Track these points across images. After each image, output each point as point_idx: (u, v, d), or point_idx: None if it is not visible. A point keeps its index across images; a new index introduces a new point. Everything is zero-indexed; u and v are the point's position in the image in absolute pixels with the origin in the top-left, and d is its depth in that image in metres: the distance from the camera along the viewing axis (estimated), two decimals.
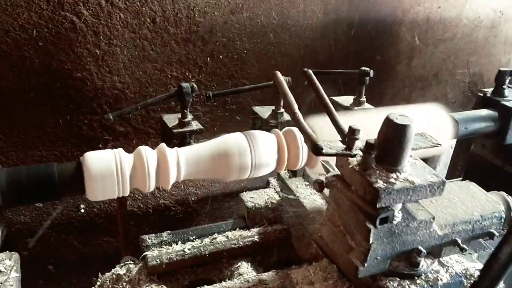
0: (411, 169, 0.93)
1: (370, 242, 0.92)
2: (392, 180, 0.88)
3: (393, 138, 0.88)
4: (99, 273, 1.27)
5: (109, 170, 0.93)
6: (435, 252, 1.04)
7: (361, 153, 0.91)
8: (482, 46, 2.65)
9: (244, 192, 1.45)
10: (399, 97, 2.54)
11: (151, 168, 0.97)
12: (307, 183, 1.38)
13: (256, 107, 1.61)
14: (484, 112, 1.59)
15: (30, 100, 1.76)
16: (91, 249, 2.16)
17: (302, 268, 1.08)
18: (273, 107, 1.54)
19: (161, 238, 1.28)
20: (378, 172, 0.90)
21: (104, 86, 1.85)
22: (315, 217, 1.23)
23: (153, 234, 1.29)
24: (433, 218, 0.98)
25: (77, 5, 1.68)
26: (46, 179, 0.90)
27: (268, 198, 1.43)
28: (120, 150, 0.98)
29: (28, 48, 1.68)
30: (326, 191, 1.04)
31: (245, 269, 1.27)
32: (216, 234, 1.32)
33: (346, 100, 1.68)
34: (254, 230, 1.35)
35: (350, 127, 0.91)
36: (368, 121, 1.13)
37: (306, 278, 1.04)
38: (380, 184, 0.87)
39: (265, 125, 1.52)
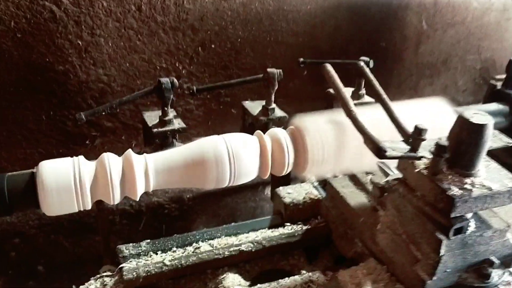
0: (486, 173, 0.84)
1: (441, 254, 0.84)
2: (467, 186, 0.81)
3: (468, 139, 0.81)
4: (73, 286, 1.18)
5: (66, 181, 0.83)
6: (506, 262, 0.95)
7: (427, 156, 0.84)
8: (494, 30, 2.49)
9: (280, 187, 1.35)
10: (405, 86, 2.41)
11: (115, 178, 0.86)
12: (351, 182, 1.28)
13: (246, 102, 1.49)
14: (494, 106, 1.46)
15: (11, 96, 1.67)
16: (82, 250, 2.08)
17: (349, 269, 1.01)
18: (263, 102, 1.43)
19: (140, 248, 1.18)
20: (450, 177, 0.82)
21: (89, 80, 1.74)
22: (359, 214, 1.14)
23: (131, 244, 1.19)
24: (508, 226, 0.90)
25: None
26: None
27: (306, 194, 1.33)
28: (80, 158, 0.88)
29: (6, 40, 1.58)
30: None
31: (231, 280, 1.17)
32: (200, 242, 1.22)
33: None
34: (293, 227, 1.28)
35: (416, 127, 0.84)
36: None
37: (354, 279, 0.97)
38: (454, 191, 0.80)
39: (256, 122, 1.40)
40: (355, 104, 1.46)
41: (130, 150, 0.91)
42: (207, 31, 1.84)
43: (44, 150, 1.81)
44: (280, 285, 1.10)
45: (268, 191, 2.29)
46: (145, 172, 0.89)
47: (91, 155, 1.86)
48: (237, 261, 1.21)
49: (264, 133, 1.02)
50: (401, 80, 2.39)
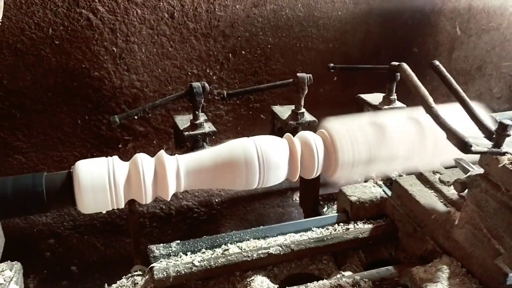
0: None
1: None
2: None
3: None
4: (105, 284, 1.21)
5: (101, 180, 0.85)
6: None
7: (511, 151, 0.87)
8: None
9: (345, 186, 1.39)
10: (438, 93, 2.36)
11: (147, 178, 0.88)
12: (419, 181, 1.31)
13: (276, 106, 1.50)
14: None
15: (48, 100, 1.73)
16: (113, 251, 2.12)
17: (423, 265, 1.02)
18: (293, 107, 1.43)
19: (170, 248, 1.20)
20: None
21: (123, 85, 1.79)
22: (430, 212, 1.16)
23: (162, 244, 1.21)
24: None
25: (92, 1, 1.63)
26: (33, 191, 0.83)
27: (371, 192, 1.37)
28: (115, 158, 0.90)
29: (45, 47, 1.64)
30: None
31: (259, 283, 1.17)
32: (229, 244, 1.23)
33: (376, 98, 1.54)
34: (359, 225, 1.32)
35: (501, 123, 0.87)
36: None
37: (429, 275, 0.99)
38: None
39: (285, 126, 1.41)
40: (386, 109, 1.46)
41: (162, 151, 0.93)
42: (238, 38, 1.86)
43: (79, 153, 1.87)
44: None
45: (296, 197, 2.29)
46: (176, 172, 0.91)
47: (124, 159, 1.91)
48: (265, 264, 1.21)
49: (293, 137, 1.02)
50: (434, 86, 2.34)
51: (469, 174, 0.98)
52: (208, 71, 1.87)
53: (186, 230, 2.16)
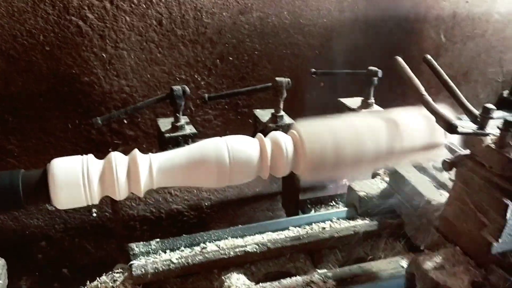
0: None
1: (507, 217, 0.92)
2: None
3: None
4: (88, 281, 1.25)
5: (75, 177, 0.89)
6: None
7: (494, 133, 0.95)
8: None
9: (354, 182, 1.46)
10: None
11: (120, 174, 0.92)
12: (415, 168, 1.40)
13: (258, 110, 1.54)
14: (499, 113, 1.45)
15: (40, 105, 1.77)
16: (104, 253, 2.16)
17: (429, 254, 1.07)
18: (273, 110, 1.47)
19: (149, 246, 1.24)
20: None
21: (112, 90, 1.83)
22: (424, 195, 1.27)
23: (141, 242, 1.25)
24: None
25: (82, 9, 1.68)
26: (10, 187, 0.87)
27: (378, 188, 1.44)
28: (90, 156, 0.95)
29: (36, 53, 1.69)
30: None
31: (236, 280, 1.20)
32: (207, 243, 1.27)
33: (354, 102, 1.58)
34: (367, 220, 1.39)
35: (484, 107, 0.95)
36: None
37: (434, 263, 1.04)
38: None
39: (265, 129, 1.45)
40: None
41: (136, 149, 0.97)
42: (225, 44, 1.91)
43: None
44: (282, 285, 1.13)
45: None
46: (149, 169, 0.95)
47: None
48: (242, 262, 1.25)
49: None
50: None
51: (456, 154, 1.05)
52: (196, 76, 1.92)
53: (176, 233, 2.18)
